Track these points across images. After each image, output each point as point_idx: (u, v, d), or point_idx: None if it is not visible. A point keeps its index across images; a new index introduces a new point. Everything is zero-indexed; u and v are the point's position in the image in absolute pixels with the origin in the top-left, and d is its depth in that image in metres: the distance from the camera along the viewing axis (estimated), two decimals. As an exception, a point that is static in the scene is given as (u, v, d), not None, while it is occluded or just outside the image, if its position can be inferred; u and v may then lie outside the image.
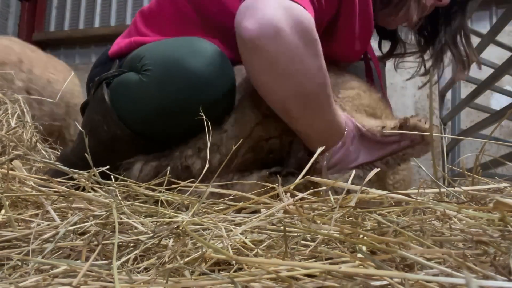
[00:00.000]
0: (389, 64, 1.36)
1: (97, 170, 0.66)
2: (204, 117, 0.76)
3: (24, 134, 1.54)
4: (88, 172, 0.65)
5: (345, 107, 0.95)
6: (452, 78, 1.21)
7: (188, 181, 0.73)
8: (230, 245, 0.50)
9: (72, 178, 0.68)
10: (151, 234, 0.53)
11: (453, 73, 1.16)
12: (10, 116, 1.57)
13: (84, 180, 0.66)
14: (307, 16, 0.79)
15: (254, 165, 0.91)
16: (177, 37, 0.97)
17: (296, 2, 0.79)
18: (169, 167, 0.82)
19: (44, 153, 1.62)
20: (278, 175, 0.86)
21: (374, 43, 1.26)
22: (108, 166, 0.69)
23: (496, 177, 0.84)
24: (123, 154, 0.92)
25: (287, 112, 0.86)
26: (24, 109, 1.72)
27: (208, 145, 0.76)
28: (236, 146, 0.82)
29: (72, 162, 0.70)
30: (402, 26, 1.25)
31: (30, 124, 1.64)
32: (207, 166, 0.75)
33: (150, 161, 0.92)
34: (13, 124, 1.54)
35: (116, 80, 0.93)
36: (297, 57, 0.78)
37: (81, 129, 0.89)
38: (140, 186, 0.71)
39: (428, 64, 1.24)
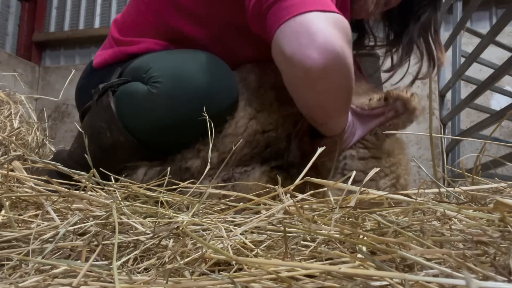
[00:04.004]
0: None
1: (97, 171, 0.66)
2: (209, 128, 0.77)
3: (29, 135, 1.53)
4: (88, 173, 0.65)
5: None
6: (415, 77, 1.17)
7: (188, 181, 0.74)
8: (230, 245, 0.50)
9: (71, 180, 0.68)
10: (151, 235, 0.53)
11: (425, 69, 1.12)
12: (13, 117, 1.57)
13: (84, 181, 0.66)
14: (346, 22, 0.79)
15: (252, 160, 0.92)
16: (182, 50, 0.98)
17: (334, 12, 0.77)
18: (169, 168, 0.82)
19: (55, 150, 1.61)
20: (280, 168, 0.89)
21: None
22: (108, 168, 0.70)
23: (496, 178, 0.84)
24: (123, 161, 0.92)
25: (327, 117, 0.88)
26: (29, 109, 1.72)
27: (209, 155, 0.77)
28: (234, 143, 0.84)
29: (70, 165, 0.71)
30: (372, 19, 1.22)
31: (34, 124, 1.63)
32: (208, 167, 0.76)
33: (154, 166, 0.93)
34: (15, 125, 1.53)
35: (121, 88, 0.93)
36: (350, 67, 0.79)
37: (81, 130, 0.89)
38: (140, 187, 0.71)
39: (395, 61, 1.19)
